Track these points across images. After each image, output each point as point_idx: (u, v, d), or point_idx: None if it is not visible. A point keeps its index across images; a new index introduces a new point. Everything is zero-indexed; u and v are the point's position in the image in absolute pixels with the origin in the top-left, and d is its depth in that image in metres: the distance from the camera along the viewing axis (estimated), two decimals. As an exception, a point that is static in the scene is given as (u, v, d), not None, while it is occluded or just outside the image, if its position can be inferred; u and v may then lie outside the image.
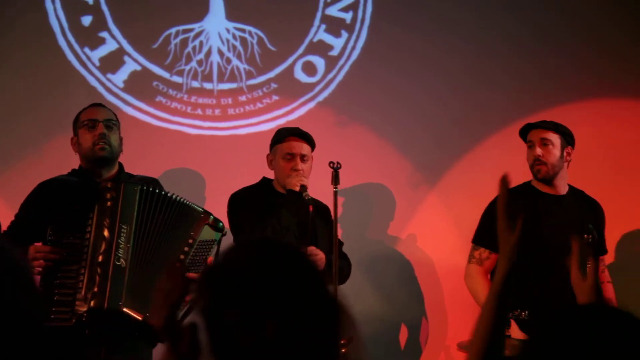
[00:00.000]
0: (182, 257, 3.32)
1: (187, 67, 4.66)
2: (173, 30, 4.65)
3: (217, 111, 4.69)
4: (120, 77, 4.61)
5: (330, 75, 4.78)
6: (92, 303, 3.14)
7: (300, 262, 1.42)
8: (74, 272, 3.20)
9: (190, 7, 4.70)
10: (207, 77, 4.68)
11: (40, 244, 3.25)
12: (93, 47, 4.60)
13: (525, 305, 3.45)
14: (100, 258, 3.19)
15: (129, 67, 4.62)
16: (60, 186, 3.39)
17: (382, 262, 4.73)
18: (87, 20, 4.59)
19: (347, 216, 4.55)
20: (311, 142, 3.91)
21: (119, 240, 3.21)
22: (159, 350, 3.40)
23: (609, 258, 4.74)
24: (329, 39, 4.79)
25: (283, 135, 3.91)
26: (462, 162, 4.83)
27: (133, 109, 4.62)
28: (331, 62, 4.78)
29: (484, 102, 4.85)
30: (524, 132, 4.05)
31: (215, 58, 4.69)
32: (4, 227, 3.35)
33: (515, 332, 3.66)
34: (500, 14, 4.90)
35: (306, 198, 3.69)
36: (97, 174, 3.45)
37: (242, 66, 4.70)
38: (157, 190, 3.36)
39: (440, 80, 4.84)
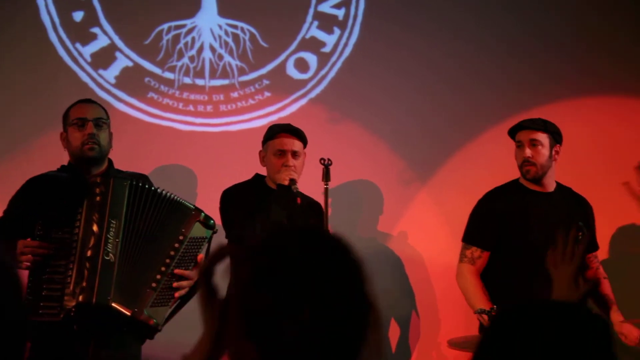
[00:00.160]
0: (172, 253, 3.30)
1: (179, 64, 4.65)
2: (165, 26, 4.65)
3: (209, 107, 4.69)
4: (111, 73, 4.60)
5: (323, 72, 4.77)
6: (80, 298, 3.12)
7: (347, 255, 1.41)
8: (63, 267, 3.18)
9: (183, 3, 4.69)
10: (199, 74, 4.67)
11: (29, 239, 3.24)
12: (84, 43, 4.59)
13: (513, 301, 3.43)
14: (89, 253, 3.17)
15: (121, 63, 4.61)
16: (49, 182, 3.38)
17: (373, 259, 4.72)
18: (78, 15, 4.58)
19: (338, 213, 4.55)
20: (303, 139, 3.91)
21: (108, 235, 3.20)
22: (147, 345, 3.40)
23: (602, 255, 4.75)
24: (321, 35, 4.78)
25: (274, 132, 3.92)
26: (454, 159, 4.84)
27: (124, 105, 4.61)
28: (323, 59, 4.78)
29: (477, 99, 4.86)
30: (513, 132, 4.06)
31: (207, 54, 4.68)
32: (-7, 223, 3.35)
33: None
34: (494, 10, 4.90)
35: (294, 191, 3.69)
36: (86, 170, 3.44)
37: (234, 62, 4.70)
38: (146, 186, 3.35)
39: (432, 77, 4.84)
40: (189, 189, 4.55)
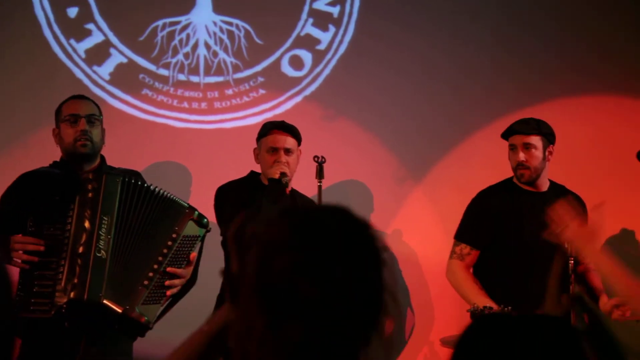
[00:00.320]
0: (165, 251, 3.29)
1: (174, 60, 4.64)
2: (160, 22, 4.64)
3: (203, 104, 4.68)
4: (106, 70, 4.60)
5: (317, 70, 4.77)
6: (72, 294, 3.11)
7: (372, 239, 1.42)
8: (54, 264, 3.17)
9: (177, 0, 4.68)
10: (194, 70, 4.66)
11: (20, 235, 3.23)
12: (79, 39, 4.58)
13: (508, 300, 3.44)
14: (80, 249, 3.16)
15: (115, 59, 4.60)
16: (41, 177, 3.37)
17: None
18: (73, 12, 4.57)
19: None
20: (296, 135, 3.91)
21: (100, 232, 3.19)
22: (139, 342, 3.39)
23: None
24: (316, 33, 4.78)
25: (268, 129, 3.92)
26: (449, 157, 4.83)
27: (119, 102, 4.60)
28: (318, 56, 4.77)
29: (472, 96, 4.85)
30: (506, 135, 4.06)
31: (202, 51, 4.67)
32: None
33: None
34: (489, 8, 4.90)
35: (283, 182, 3.69)
36: (78, 167, 3.43)
37: (229, 59, 4.69)
38: (139, 183, 3.34)
39: (427, 74, 4.83)
40: (183, 186, 4.54)
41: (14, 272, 3.21)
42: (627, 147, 4.14)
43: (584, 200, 4.21)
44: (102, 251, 3.18)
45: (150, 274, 3.25)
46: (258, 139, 3.96)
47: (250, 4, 4.72)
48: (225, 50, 4.69)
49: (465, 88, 4.86)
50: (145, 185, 3.33)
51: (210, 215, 3.77)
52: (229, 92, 4.70)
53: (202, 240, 3.40)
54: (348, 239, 1.38)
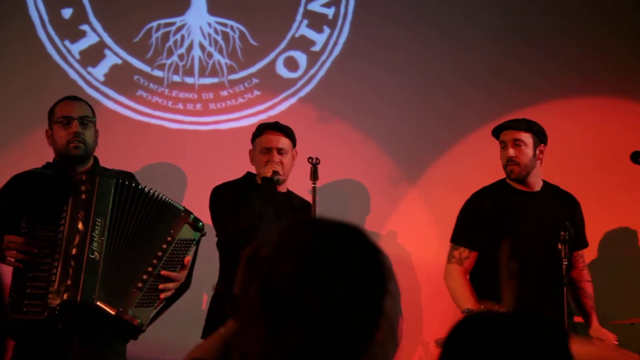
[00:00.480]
0: (159, 254, 3.28)
1: (169, 61, 4.64)
2: (154, 23, 4.63)
3: (198, 106, 4.68)
4: (100, 71, 4.59)
5: (312, 71, 4.77)
6: (65, 296, 3.10)
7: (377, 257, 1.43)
8: (47, 265, 3.16)
9: (172, 1, 4.69)
10: (189, 72, 4.66)
11: (14, 235, 3.22)
12: (73, 40, 4.57)
13: (502, 301, 3.44)
14: (74, 251, 3.15)
15: (110, 60, 4.60)
16: (35, 179, 3.36)
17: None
18: (67, 12, 4.57)
19: (327, 212, 4.53)
20: (290, 136, 3.91)
21: (93, 234, 3.18)
22: (132, 344, 3.38)
23: (593, 254, 4.75)
24: (311, 34, 4.78)
25: (261, 129, 3.94)
26: (444, 158, 4.83)
27: (113, 103, 4.60)
28: (313, 58, 4.77)
29: (467, 97, 4.85)
30: (497, 132, 4.07)
31: (196, 52, 4.67)
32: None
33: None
34: (484, 9, 4.90)
35: (275, 180, 3.69)
36: (71, 168, 3.43)
37: (224, 61, 4.69)
38: (133, 184, 3.33)
39: (422, 75, 4.83)
40: (178, 188, 4.53)
41: (7, 274, 3.20)
42: (623, 148, 4.14)
43: (582, 201, 4.22)
44: (96, 253, 3.17)
45: (145, 277, 3.25)
46: (252, 140, 3.97)
47: (245, 5, 4.72)
48: (220, 51, 4.69)
49: (460, 89, 4.86)
50: (140, 187, 3.32)
51: (205, 216, 3.77)
52: (224, 93, 4.69)
53: (197, 244, 3.39)
54: (357, 259, 1.39)
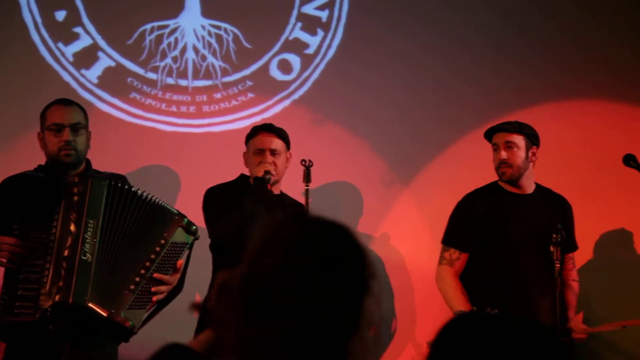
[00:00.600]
0: (152, 257, 3.28)
1: (162, 64, 4.64)
2: (148, 26, 4.63)
3: (191, 108, 4.67)
4: (94, 73, 4.59)
5: (306, 74, 4.77)
6: (57, 298, 3.10)
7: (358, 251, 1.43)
8: (39, 267, 3.16)
9: (166, 4, 4.68)
10: (182, 74, 4.66)
11: (7, 237, 3.21)
12: (67, 43, 4.57)
13: (494, 303, 3.45)
14: (66, 252, 3.15)
15: (103, 63, 4.60)
16: (26, 181, 3.36)
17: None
18: (61, 15, 4.56)
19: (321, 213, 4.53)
20: (283, 137, 3.92)
21: (86, 235, 3.18)
22: (124, 346, 3.38)
23: (588, 256, 4.75)
24: (304, 37, 4.78)
25: (255, 131, 3.95)
26: (438, 160, 4.83)
27: (107, 105, 4.59)
28: (307, 60, 4.77)
29: (461, 99, 4.86)
30: (489, 135, 4.07)
31: (190, 55, 4.67)
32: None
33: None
34: (479, 9, 4.90)
35: (266, 179, 3.69)
36: (63, 171, 3.42)
37: (218, 63, 4.69)
38: (126, 187, 3.33)
39: (416, 77, 4.84)
40: (171, 190, 4.53)
41: (-1, 276, 3.20)
42: (617, 151, 4.14)
43: (576, 202, 4.23)
44: (88, 254, 3.17)
45: (137, 279, 3.24)
46: (246, 142, 3.98)
47: (238, 8, 4.72)
48: (214, 54, 4.69)
49: (454, 91, 4.86)
50: (132, 189, 3.32)
51: (199, 219, 3.77)
52: (218, 95, 4.69)
53: (190, 248, 3.39)
54: (341, 257, 1.39)
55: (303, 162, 3.81)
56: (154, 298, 3.28)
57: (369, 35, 4.81)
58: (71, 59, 4.57)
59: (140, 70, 4.62)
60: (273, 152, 3.86)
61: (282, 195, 4.00)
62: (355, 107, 4.78)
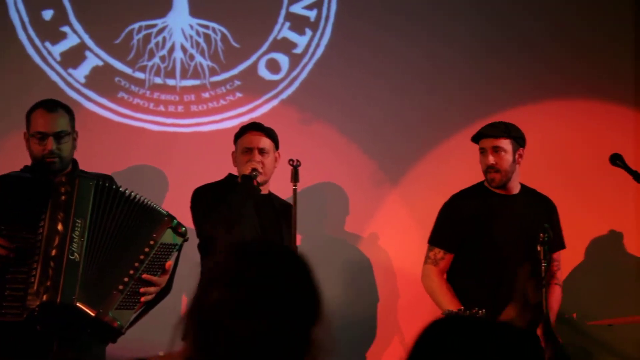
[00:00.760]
0: (141, 257, 3.28)
1: (150, 63, 4.63)
2: (136, 25, 4.62)
3: (179, 108, 4.67)
4: (81, 73, 4.57)
5: (294, 73, 4.76)
6: (44, 297, 3.09)
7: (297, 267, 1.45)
8: (27, 267, 3.15)
9: (154, 3, 4.67)
10: (170, 74, 4.65)
11: (-6, 237, 3.20)
12: (54, 42, 4.55)
13: (482, 303, 3.46)
14: (53, 252, 3.14)
15: (91, 62, 4.58)
16: (13, 182, 3.35)
17: (342, 260, 4.72)
18: (48, 14, 4.55)
19: (309, 214, 4.53)
20: (272, 137, 3.92)
21: (73, 235, 3.17)
22: (111, 347, 3.37)
23: (575, 256, 4.77)
24: (293, 36, 4.78)
25: (243, 130, 3.96)
26: (427, 159, 4.84)
27: (94, 105, 4.58)
28: (295, 60, 4.77)
29: (450, 98, 4.86)
30: (476, 139, 4.08)
31: (178, 54, 4.66)
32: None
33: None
34: (467, 9, 4.91)
35: (252, 175, 3.69)
36: (50, 173, 3.40)
37: (206, 63, 4.68)
38: (114, 187, 3.32)
39: (405, 76, 4.84)
40: (159, 190, 4.52)
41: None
42: (607, 150, 4.14)
43: (565, 202, 4.25)
44: (76, 254, 3.16)
45: (126, 279, 3.24)
46: (235, 141, 3.98)
47: (226, 8, 4.71)
48: (202, 53, 4.68)
49: (443, 90, 4.87)
50: (120, 189, 3.32)
51: (186, 218, 3.76)
52: (206, 95, 4.69)
53: (179, 250, 3.39)
54: (285, 288, 1.40)
55: (291, 162, 3.81)
56: (143, 299, 3.28)
57: (357, 34, 4.81)
58: (58, 59, 4.55)
59: (128, 70, 4.61)
60: (261, 151, 3.86)
61: (271, 195, 4.00)
62: (343, 107, 4.78)
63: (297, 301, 1.39)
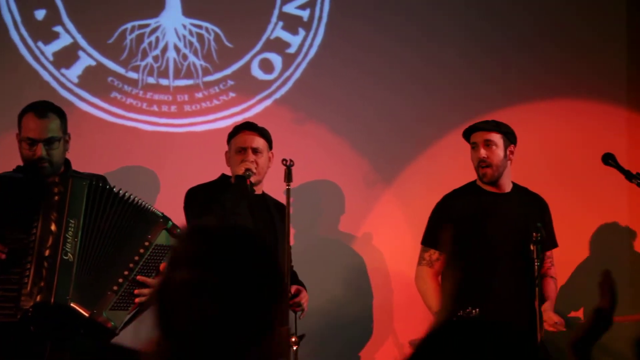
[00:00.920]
0: (136, 258, 3.28)
1: (143, 63, 4.62)
2: (129, 25, 4.61)
3: (173, 108, 4.66)
4: (74, 73, 4.56)
5: (287, 73, 4.76)
6: (38, 298, 3.09)
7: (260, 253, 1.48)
8: (20, 268, 3.14)
9: (147, 3, 4.66)
10: (163, 74, 4.64)
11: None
12: (47, 42, 4.54)
13: (475, 303, 3.46)
14: (47, 253, 3.14)
15: (84, 62, 4.57)
16: (5, 182, 3.33)
17: (336, 260, 4.72)
18: (40, 14, 4.54)
19: (302, 213, 4.54)
20: (265, 136, 3.92)
21: (67, 235, 3.16)
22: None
23: (583, 254, 4.78)
24: (286, 36, 4.77)
25: (237, 130, 3.95)
26: (421, 158, 4.84)
27: (87, 105, 4.57)
28: (288, 60, 4.77)
29: (444, 97, 4.86)
30: (467, 134, 4.09)
31: (171, 54, 4.65)
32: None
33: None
34: (462, 7, 4.91)
35: (246, 174, 3.69)
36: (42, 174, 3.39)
37: (199, 62, 4.67)
38: (107, 187, 3.32)
39: (399, 76, 4.84)
40: (152, 190, 4.52)
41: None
42: (601, 149, 4.15)
43: (561, 201, 4.25)
44: (69, 254, 3.16)
45: (120, 280, 3.24)
46: (228, 141, 3.98)
47: (220, 7, 4.71)
48: (195, 53, 4.68)
49: (437, 89, 4.87)
50: (114, 189, 3.31)
51: (180, 219, 3.76)
52: (199, 95, 4.68)
53: None
54: (246, 267, 1.44)
55: (284, 162, 3.81)
56: (137, 300, 3.27)
57: (350, 34, 4.81)
58: (51, 59, 4.54)
59: (121, 70, 4.60)
60: (255, 151, 3.86)
61: (265, 195, 4.00)
62: (337, 106, 4.78)
63: (256, 280, 1.43)
